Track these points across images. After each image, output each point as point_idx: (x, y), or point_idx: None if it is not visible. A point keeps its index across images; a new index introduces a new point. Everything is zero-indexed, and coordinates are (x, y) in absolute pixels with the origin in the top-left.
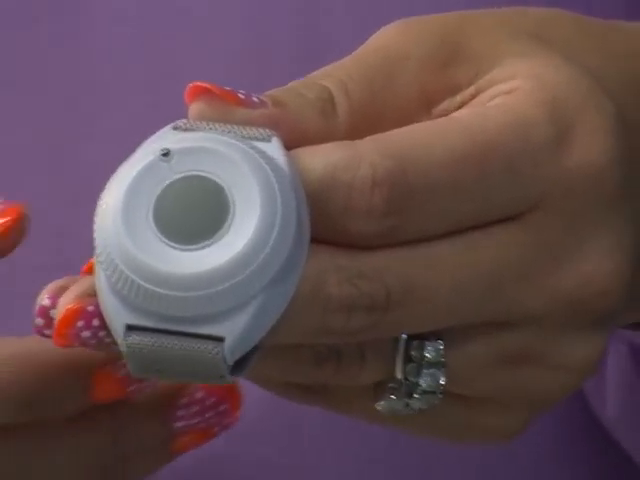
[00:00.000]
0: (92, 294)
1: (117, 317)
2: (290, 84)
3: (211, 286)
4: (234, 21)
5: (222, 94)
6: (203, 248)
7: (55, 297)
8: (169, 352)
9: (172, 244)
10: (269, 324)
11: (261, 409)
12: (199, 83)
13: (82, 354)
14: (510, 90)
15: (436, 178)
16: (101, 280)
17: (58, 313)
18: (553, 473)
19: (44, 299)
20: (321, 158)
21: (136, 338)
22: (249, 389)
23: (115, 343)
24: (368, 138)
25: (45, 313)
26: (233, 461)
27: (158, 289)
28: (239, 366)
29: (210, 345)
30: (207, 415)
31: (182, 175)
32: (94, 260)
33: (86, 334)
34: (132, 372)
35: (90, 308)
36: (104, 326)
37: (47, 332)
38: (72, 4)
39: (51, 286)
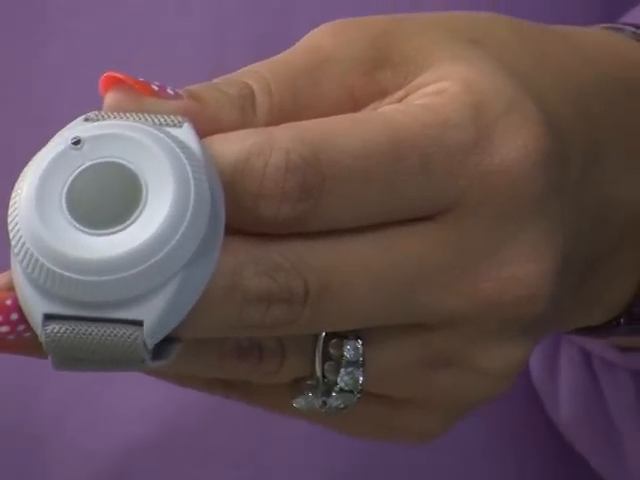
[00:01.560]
0: (10, 288)
1: (35, 307)
2: (214, 80)
3: (126, 269)
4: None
5: (136, 85)
6: (117, 232)
7: None
8: (88, 339)
9: (86, 230)
10: (188, 306)
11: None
12: (112, 73)
13: None
14: (437, 92)
15: (349, 167)
16: (17, 271)
17: None
18: (508, 475)
19: None
20: (234, 144)
21: (55, 327)
22: None
23: (34, 337)
24: (284, 125)
25: None
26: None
27: (73, 275)
28: (160, 353)
29: (129, 330)
30: None
31: (94, 162)
32: (11, 252)
33: (4, 329)
34: (53, 363)
35: (8, 302)
36: (23, 320)
37: None
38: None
39: None
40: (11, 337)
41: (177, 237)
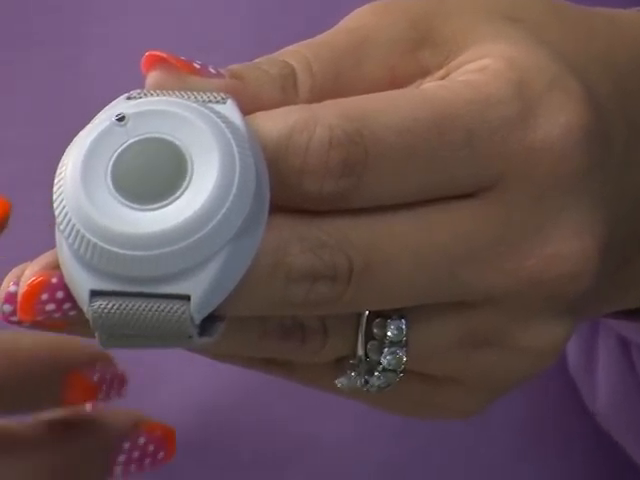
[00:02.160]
0: (55, 267)
1: (81, 284)
2: (256, 60)
3: (173, 243)
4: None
5: (178, 63)
6: (163, 207)
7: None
8: (135, 315)
9: (132, 205)
10: (234, 281)
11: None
12: (154, 52)
13: (64, 349)
14: (479, 69)
15: (392, 143)
16: (63, 248)
17: (21, 288)
18: (544, 462)
19: (10, 285)
20: (278, 120)
21: (102, 303)
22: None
23: (80, 316)
24: (327, 102)
25: (13, 299)
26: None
27: (120, 250)
28: (207, 331)
29: (176, 304)
30: (145, 462)
31: (138, 138)
32: (56, 227)
33: (50, 307)
34: (99, 341)
35: (54, 280)
36: (69, 298)
37: (14, 319)
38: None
39: (15, 271)
40: (57, 315)
41: (223, 211)
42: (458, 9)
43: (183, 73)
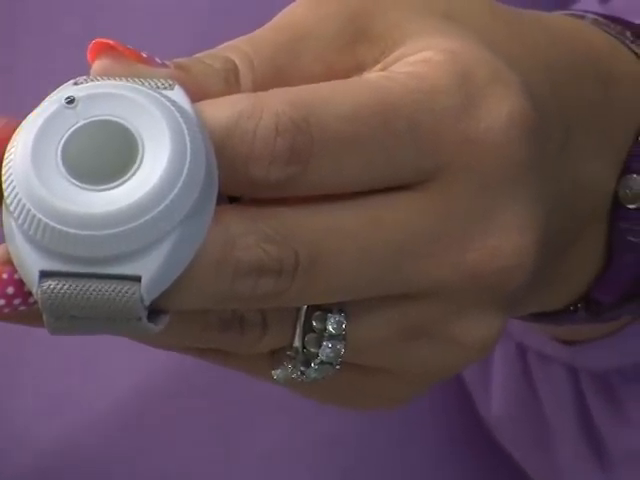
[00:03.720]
0: (5, 262)
1: (31, 264)
2: (196, 55)
3: (124, 223)
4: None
5: (125, 51)
6: (114, 188)
7: None
8: (85, 296)
9: (82, 185)
10: (184, 263)
11: None
12: (102, 40)
13: None
14: (421, 60)
15: (338, 131)
16: (12, 230)
17: None
18: (436, 473)
19: None
20: (225, 107)
21: (51, 284)
22: None
23: (30, 311)
24: (273, 90)
25: None
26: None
27: (71, 230)
28: (156, 315)
29: (126, 285)
30: None
31: (88, 120)
32: (3, 212)
33: (0, 302)
34: (47, 325)
35: (4, 275)
36: (20, 294)
37: None
38: None
39: None
40: (7, 310)
41: (175, 192)
42: (394, 4)
43: (130, 60)
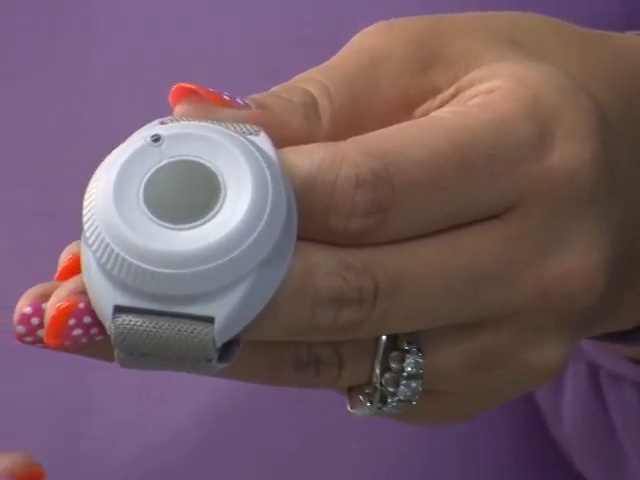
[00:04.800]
0: (82, 291)
1: (106, 298)
2: (273, 89)
3: (202, 264)
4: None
5: (207, 95)
6: (195, 227)
7: (36, 304)
8: (157, 334)
9: (163, 224)
10: (259, 306)
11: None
12: (183, 84)
13: None
14: (490, 89)
15: (417, 177)
16: (90, 263)
17: (48, 313)
18: None
19: (25, 307)
20: (305, 157)
21: (125, 319)
22: None
23: (106, 341)
24: (351, 139)
25: (26, 321)
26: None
27: (149, 266)
28: (225, 354)
29: (199, 326)
30: None
31: (172, 159)
32: (81, 245)
33: (77, 332)
34: (118, 359)
35: (81, 305)
36: (96, 323)
37: (28, 339)
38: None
39: (31, 292)
40: (83, 340)
41: (254, 235)
42: (462, 29)
43: (212, 105)
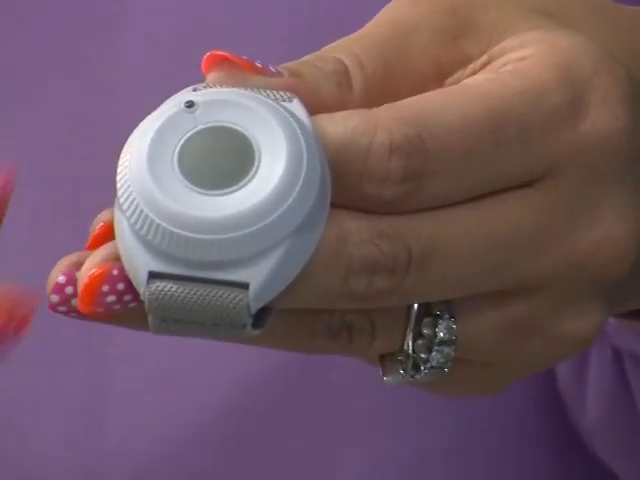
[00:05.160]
0: (116, 258)
1: (140, 265)
2: (305, 57)
3: (236, 229)
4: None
5: (240, 63)
6: (229, 193)
7: (69, 273)
8: (192, 299)
9: (197, 189)
10: (293, 272)
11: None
12: (216, 52)
13: None
14: (522, 57)
15: (452, 144)
16: (124, 229)
17: (81, 279)
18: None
19: (59, 276)
20: (339, 123)
21: (159, 285)
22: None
23: (140, 309)
24: (384, 106)
25: (60, 290)
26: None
27: (183, 232)
28: (258, 321)
29: (234, 292)
30: None
31: (207, 125)
32: (115, 211)
33: (111, 299)
34: (151, 323)
35: (115, 272)
36: (129, 289)
37: (62, 309)
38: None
39: (64, 262)
40: (117, 307)
41: (289, 201)
42: (492, 1)
43: (246, 72)
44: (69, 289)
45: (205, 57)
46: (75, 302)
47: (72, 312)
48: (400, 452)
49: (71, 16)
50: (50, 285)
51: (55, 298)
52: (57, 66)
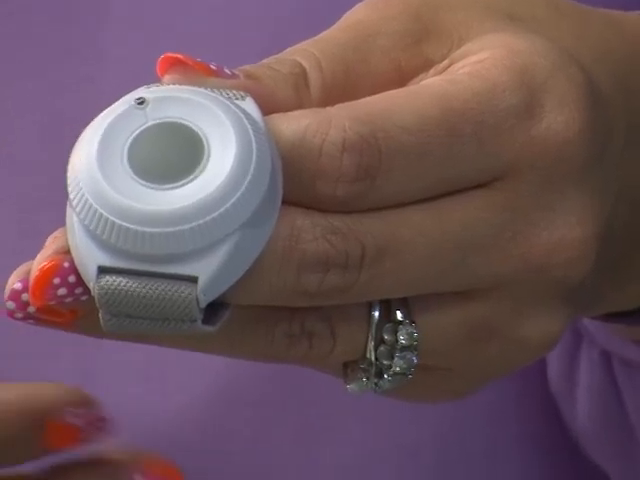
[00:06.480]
0: (67, 251)
1: (90, 259)
2: (263, 61)
3: (185, 222)
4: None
5: (194, 65)
6: (178, 187)
7: (26, 280)
8: (141, 293)
9: (146, 184)
10: (243, 266)
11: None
12: (171, 54)
13: (37, 400)
14: (480, 60)
15: (406, 143)
16: (74, 224)
17: (33, 272)
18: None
19: (14, 283)
20: (292, 122)
21: (109, 279)
22: None
23: (91, 301)
24: (339, 105)
25: (17, 297)
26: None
27: (132, 225)
28: (211, 318)
29: (183, 285)
30: None
31: (157, 121)
32: (67, 207)
33: (62, 291)
34: (103, 322)
35: (65, 264)
36: (81, 282)
37: (19, 315)
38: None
39: (21, 269)
40: (68, 300)
41: (238, 195)
42: (458, 3)
43: (200, 74)
44: (25, 296)
45: (160, 59)
46: (32, 309)
47: (29, 319)
48: (389, 447)
49: (59, 10)
50: (7, 292)
51: (12, 305)
52: (47, 59)
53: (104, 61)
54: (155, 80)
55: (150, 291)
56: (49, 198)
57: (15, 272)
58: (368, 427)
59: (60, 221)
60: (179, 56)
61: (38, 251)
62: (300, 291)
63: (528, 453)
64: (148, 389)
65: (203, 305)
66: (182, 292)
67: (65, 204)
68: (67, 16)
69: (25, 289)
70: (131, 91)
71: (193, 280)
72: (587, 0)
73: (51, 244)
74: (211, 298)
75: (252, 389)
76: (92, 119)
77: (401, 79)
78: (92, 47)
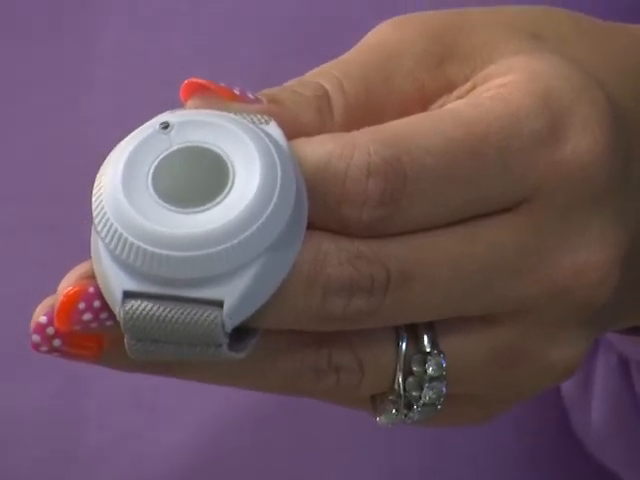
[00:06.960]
0: (91, 276)
1: (115, 284)
2: (286, 83)
3: (210, 246)
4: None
5: (218, 90)
6: (203, 211)
7: (51, 313)
8: (167, 318)
9: (171, 208)
10: (269, 291)
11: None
12: (194, 80)
13: None
14: (503, 83)
15: (431, 167)
16: (99, 249)
17: (58, 298)
18: None
19: (40, 317)
20: (316, 147)
21: (134, 304)
22: None
23: (117, 327)
24: (363, 129)
25: (42, 330)
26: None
27: (157, 250)
28: (239, 346)
29: (208, 309)
30: None
31: (181, 145)
32: (92, 231)
33: (87, 316)
34: (128, 347)
35: (90, 289)
36: (105, 307)
37: (43, 348)
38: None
39: (47, 302)
40: (94, 325)
41: (263, 219)
42: (479, 23)
43: (223, 100)
44: (50, 330)
45: (183, 85)
46: (57, 342)
47: (54, 352)
48: (396, 460)
49: (46, 30)
50: (33, 324)
51: (37, 338)
52: (36, 81)
53: (92, 85)
54: (143, 98)
55: (175, 315)
56: (39, 222)
57: (41, 305)
58: (376, 441)
59: (51, 245)
60: (203, 81)
61: (33, 278)
62: (325, 315)
63: (538, 460)
64: (138, 413)
65: (229, 329)
66: (208, 316)
67: (57, 227)
68: (53, 39)
69: (50, 322)
70: (121, 115)
71: (219, 304)
72: (596, 3)
73: (75, 270)
74: (237, 322)
75: (244, 413)
76: (81, 143)
77: (423, 100)
78: (78, 71)
